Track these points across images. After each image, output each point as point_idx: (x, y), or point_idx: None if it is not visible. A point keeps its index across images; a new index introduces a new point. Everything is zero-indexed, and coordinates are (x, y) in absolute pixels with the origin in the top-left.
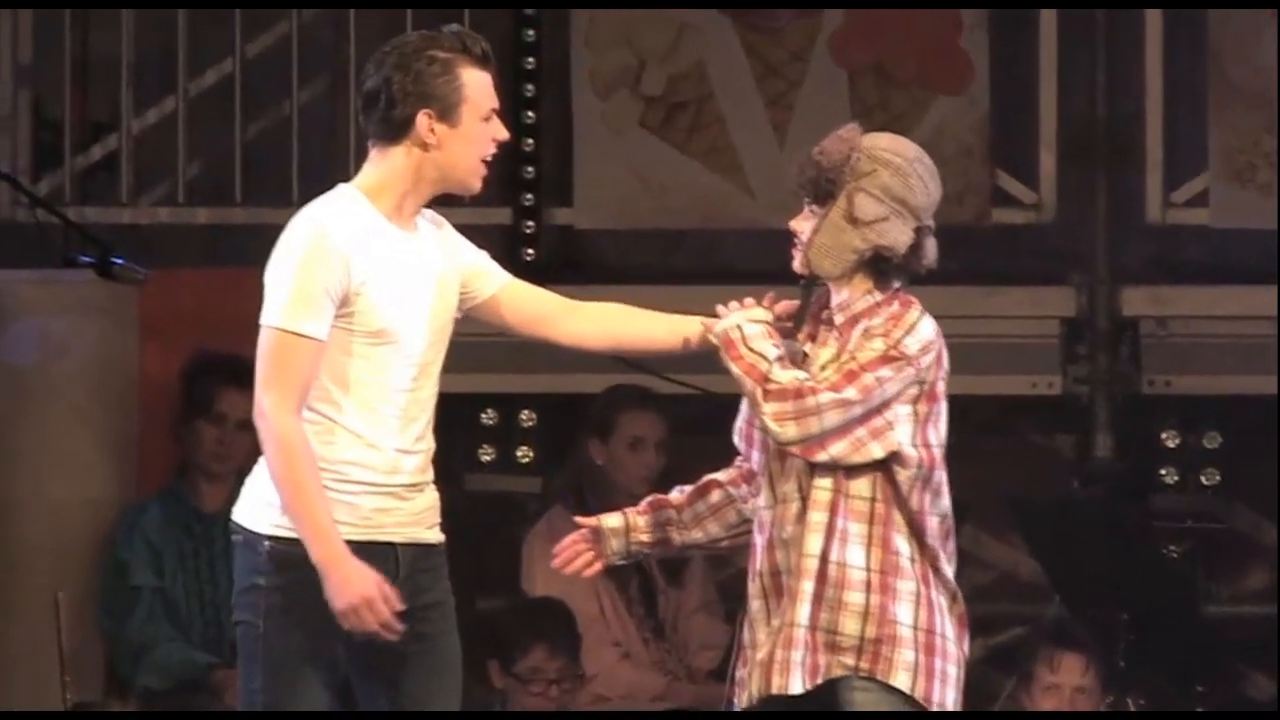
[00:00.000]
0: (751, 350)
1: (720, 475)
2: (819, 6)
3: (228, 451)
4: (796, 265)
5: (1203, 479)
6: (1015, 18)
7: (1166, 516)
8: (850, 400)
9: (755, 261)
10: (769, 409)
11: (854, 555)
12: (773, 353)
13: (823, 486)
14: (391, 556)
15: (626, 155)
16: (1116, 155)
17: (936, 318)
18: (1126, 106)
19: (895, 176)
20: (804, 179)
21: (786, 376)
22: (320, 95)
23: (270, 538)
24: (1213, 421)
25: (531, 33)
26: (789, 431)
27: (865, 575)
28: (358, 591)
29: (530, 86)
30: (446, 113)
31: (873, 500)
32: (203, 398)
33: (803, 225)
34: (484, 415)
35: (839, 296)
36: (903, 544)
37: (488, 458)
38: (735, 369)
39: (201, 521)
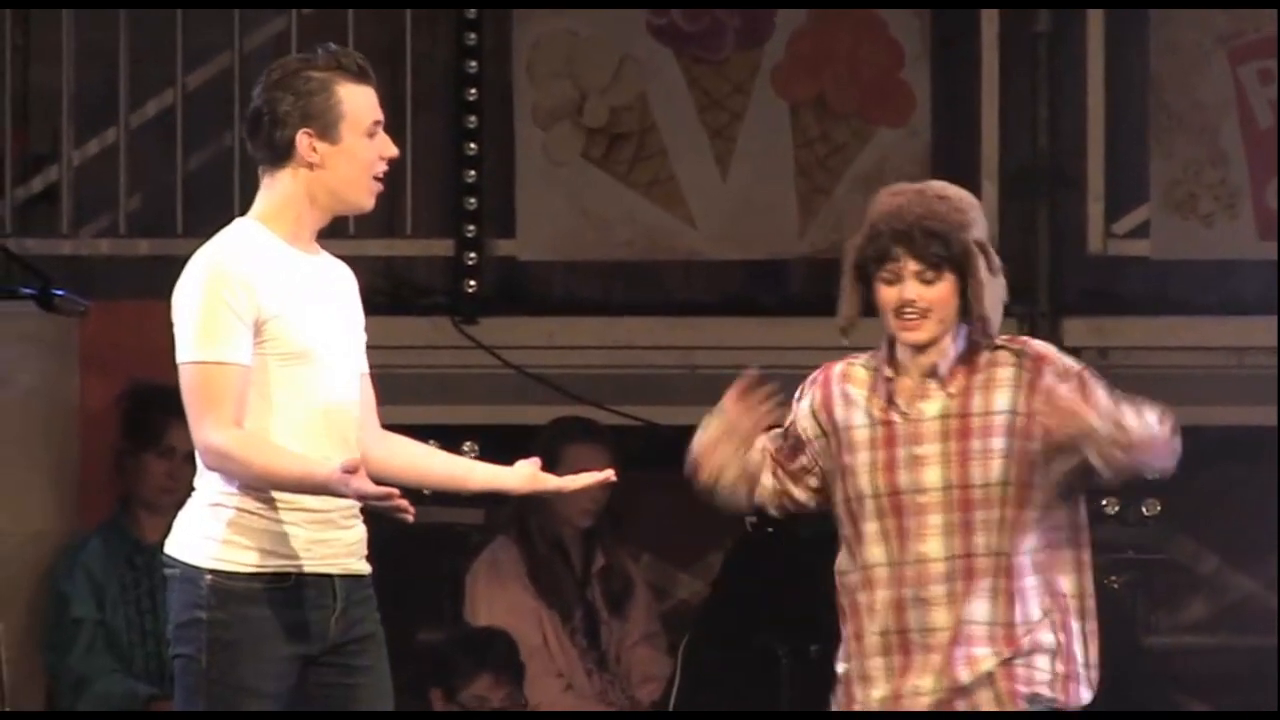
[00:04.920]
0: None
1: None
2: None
3: (175, 484)
4: (925, 335)
5: (1143, 509)
6: (957, 50)
7: (1107, 547)
8: None
9: (697, 293)
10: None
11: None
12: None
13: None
14: (329, 588)
15: (569, 187)
16: (1058, 186)
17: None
18: (1068, 138)
19: (983, 222)
20: (934, 253)
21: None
22: None
23: (212, 571)
24: None
25: (474, 64)
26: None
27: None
28: (369, 490)
29: (472, 118)
30: (326, 131)
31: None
32: (151, 430)
33: (922, 292)
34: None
35: (930, 355)
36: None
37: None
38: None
39: (143, 553)
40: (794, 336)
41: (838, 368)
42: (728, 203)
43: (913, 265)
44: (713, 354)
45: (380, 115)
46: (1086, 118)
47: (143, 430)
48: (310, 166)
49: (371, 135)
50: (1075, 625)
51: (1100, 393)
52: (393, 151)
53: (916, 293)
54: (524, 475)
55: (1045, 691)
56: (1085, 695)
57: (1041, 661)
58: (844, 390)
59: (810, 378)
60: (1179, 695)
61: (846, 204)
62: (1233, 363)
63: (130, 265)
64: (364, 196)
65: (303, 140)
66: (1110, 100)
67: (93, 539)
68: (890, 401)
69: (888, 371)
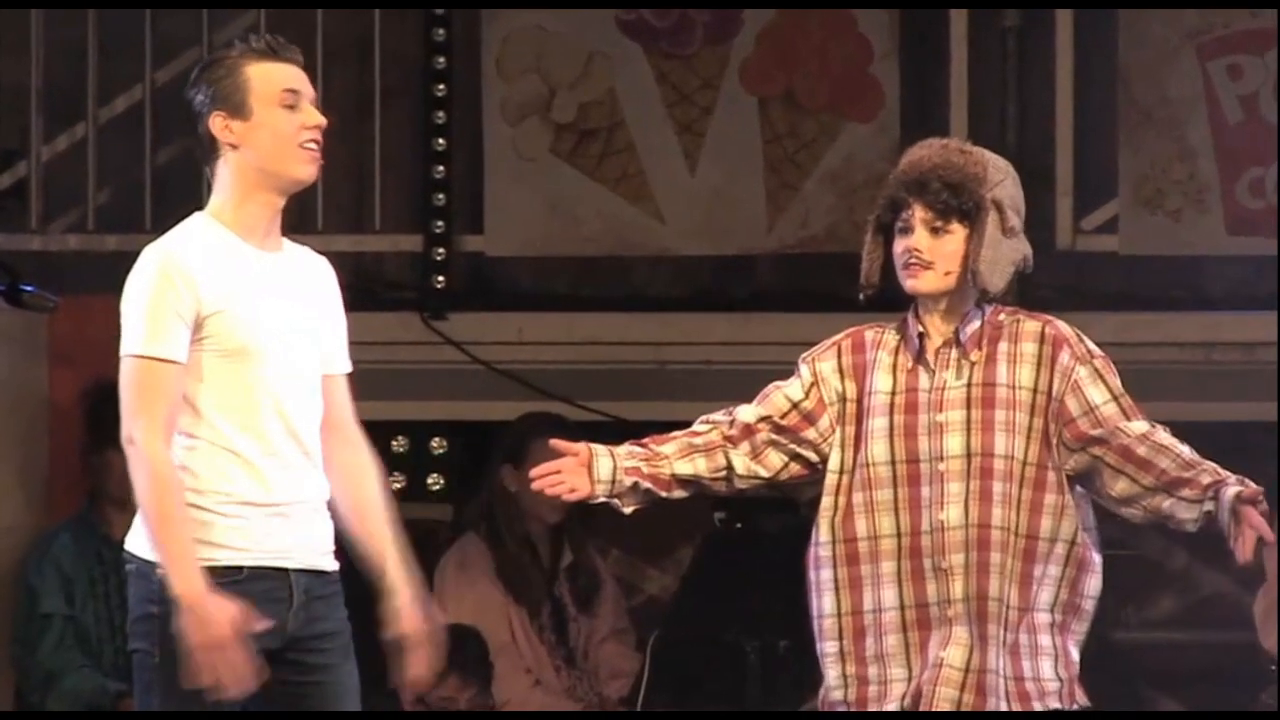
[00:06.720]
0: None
1: (715, 417)
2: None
3: None
4: (925, 285)
5: None
6: (926, 45)
7: None
8: None
9: (666, 288)
10: None
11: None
12: None
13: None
14: (285, 582)
15: (537, 182)
16: (1027, 181)
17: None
18: (1036, 133)
19: (1015, 186)
20: (944, 201)
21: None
22: None
23: (162, 566)
24: None
25: (442, 60)
26: None
27: (1050, 618)
28: (213, 634)
29: (441, 114)
30: (237, 109)
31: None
32: (111, 426)
33: (931, 243)
34: (394, 443)
35: (948, 318)
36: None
37: (398, 485)
38: None
39: (111, 549)
40: (762, 332)
41: (869, 333)
42: (696, 198)
43: (921, 213)
44: (681, 349)
45: (297, 85)
46: (1055, 113)
47: (104, 426)
48: (233, 147)
49: (289, 106)
50: (1076, 627)
51: (1115, 382)
52: (318, 120)
53: (925, 243)
54: (403, 617)
55: (1056, 704)
56: (1081, 698)
57: (1046, 669)
58: (877, 356)
59: (828, 342)
60: (1149, 691)
61: (815, 199)
62: (1200, 358)
63: (99, 260)
64: (293, 166)
65: (216, 122)
66: (1079, 96)
67: (62, 534)
68: (919, 365)
69: (918, 328)
